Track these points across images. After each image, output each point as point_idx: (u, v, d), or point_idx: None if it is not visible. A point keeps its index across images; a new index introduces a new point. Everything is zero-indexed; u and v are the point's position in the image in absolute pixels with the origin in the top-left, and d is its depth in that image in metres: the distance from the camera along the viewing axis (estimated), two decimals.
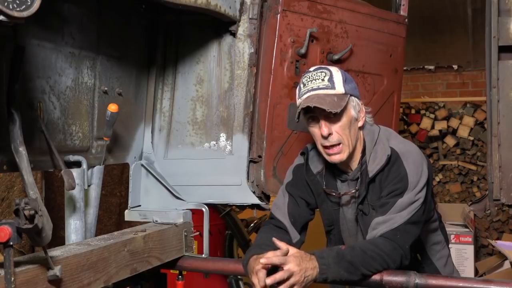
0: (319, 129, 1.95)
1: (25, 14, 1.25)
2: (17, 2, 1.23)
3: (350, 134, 1.96)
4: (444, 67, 6.49)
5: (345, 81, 1.96)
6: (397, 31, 2.81)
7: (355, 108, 1.98)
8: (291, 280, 1.75)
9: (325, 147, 1.97)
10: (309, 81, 1.97)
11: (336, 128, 1.94)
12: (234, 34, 2.30)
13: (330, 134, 1.94)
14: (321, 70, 1.98)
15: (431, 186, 2.07)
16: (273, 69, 2.36)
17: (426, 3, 5.52)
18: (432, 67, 6.51)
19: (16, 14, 1.23)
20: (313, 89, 1.94)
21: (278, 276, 1.75)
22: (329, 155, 1.97)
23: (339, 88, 1.94)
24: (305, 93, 1.96)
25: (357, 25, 2.60)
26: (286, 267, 1.75)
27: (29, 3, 1.25)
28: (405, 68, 5.10)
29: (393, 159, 1.95)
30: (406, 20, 2.88)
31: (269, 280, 1.75)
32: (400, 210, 1.90)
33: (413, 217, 1.90)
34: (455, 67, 6.41)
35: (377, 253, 1.85)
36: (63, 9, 1.88)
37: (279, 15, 2.34)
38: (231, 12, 2.22)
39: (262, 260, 1.78)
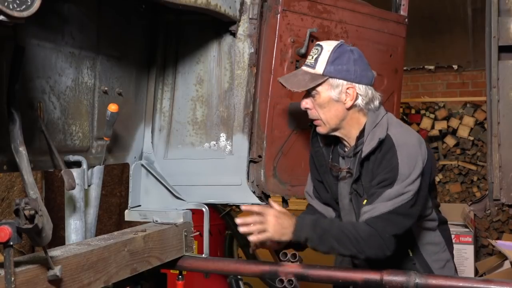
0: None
1: (25, 14, 1.25)
2: (17, 2, 1.23)
3: (327, 114, 2.05)
4: (444, 67, 6.49)
5: (332, 61, 2.00)
6: (397, 31, 2.81)
7: (335, 90, 2.01)
8: (264, 225, 1.96)
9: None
10: (309, 55, 2.10)
11: (315, 105, 2.06)
12: (234, 34, 2.30)
13: (307, 108, 2.08)
14: (316, 47, 2.07)
15: (429, 182, 2.07)
16: (273, 69, 2.36)
17: (426, 3, 5.52)
18: (432, 67, 6.51)
19: (16, 14, 1.23)
20: (303, 65, 2.10)
21: (250, 219, 1.99)
22: (316, 126, 2.12)
23: (318, 69, 2.02)
24: None
25: (357, 25, 2.60)
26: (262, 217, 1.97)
27: (29, 3, 1.25)
28: (405, 68, 5.10)
29: (387, 147, 1.97)
30: (406, 20, 2.87)
31: (239, 220, 2.01)
32: (386, 200, 1.93)
33: (400, 208, 1.92)
34: (455, 67, 6.41)
35: (353, 234, 1.91)
36: (63, 9, 1.88)
37: (279, 15, 2.34)
38: (231, 12, 2.21)
39: (243, 207, 2.08)
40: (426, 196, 2.07)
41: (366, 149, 1.99)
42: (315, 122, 2.09)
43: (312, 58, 2.04)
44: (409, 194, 1.93)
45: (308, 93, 2.05)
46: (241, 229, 2.02)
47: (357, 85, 2.02)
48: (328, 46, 2.03)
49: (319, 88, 2.02)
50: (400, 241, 1.96)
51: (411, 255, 2.12)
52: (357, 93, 2.02)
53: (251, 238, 2.00)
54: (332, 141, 2.17)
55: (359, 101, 2.03)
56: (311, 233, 1.95)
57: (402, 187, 1.92)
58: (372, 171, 1.99)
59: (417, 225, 2.09)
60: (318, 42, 2.09)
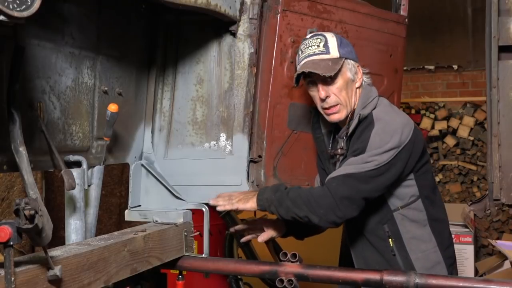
0: (318, 93, 2.10)
1: (25, 14, 1.25)
2: (17, 2, 1.23)
3: (347, 95, 2.11)
4: (444, 67, 6.49)
5: (340, 45, 2.10)
6: (397, 31, 2.81)
7: (351, 70, 2.12)
8: (230, 198, 2.12)
9: (325, 108, 2.12)
10: (306, 48, 2.12)
11: (333, 90, 2.09)
12: (234, 34, 2.30)
13: (327, 97, 2.09)
14: (316, 37, 2.12)
15: (411, 168, 2.09)
16: (273, 69, 2.36)
17: (426, 3, 5.53)
18: (432, 67, 6.51)
19: (16, 14, 1.23)
20: (309, 55, 2.10)
21: (218, 196, 2.17)
22: (328, 115, 2.13)
23: (334, 53, 2.08)
24: (302, 60, 2.12)
25: (357, 25, 2.60)
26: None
27: (29, 3, 1.25)
28: (405, 68, 5.11)
29: (367, 122, 2.05)
30: (406, 20, 2.88)
31: (212, 201, 2.16)
32: (349, 164, 2.00)
33: (359, 174, 1.96)
34: (455, 67, 6.42)
35: (306, 194, 2.01)
36: (63, 9, 1.88)
37: (279, 15, 2.34)
38: (231, 12, 2.21)
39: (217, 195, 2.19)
40: (399, 177, 2.06)
41: (351, 128, 2.08)
42: (332, 110, 2.11)
43: (320, 46, 2.09)
44: (373, 163, 1.97)
45: (324, 81, 2.08)
46: (211, 202, 2.18)
47: (358, 63, 2.16)
48: (328, 33, 2.15)
49: (342, 70, 2.10)
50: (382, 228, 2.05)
51: (391, 245, 2.12)
52: (362, 71, 2.16)
53: (218, 208, 2.15)
54: (333, 127, 2.24)
55: (364, 78, 2.17)
56: (271, 196, 2.05)
57: (367, 156, 1.98)
58: (352, 145, 2.07)
59: (399, 213, 2.11)
60: (313, 33, 2.17)
